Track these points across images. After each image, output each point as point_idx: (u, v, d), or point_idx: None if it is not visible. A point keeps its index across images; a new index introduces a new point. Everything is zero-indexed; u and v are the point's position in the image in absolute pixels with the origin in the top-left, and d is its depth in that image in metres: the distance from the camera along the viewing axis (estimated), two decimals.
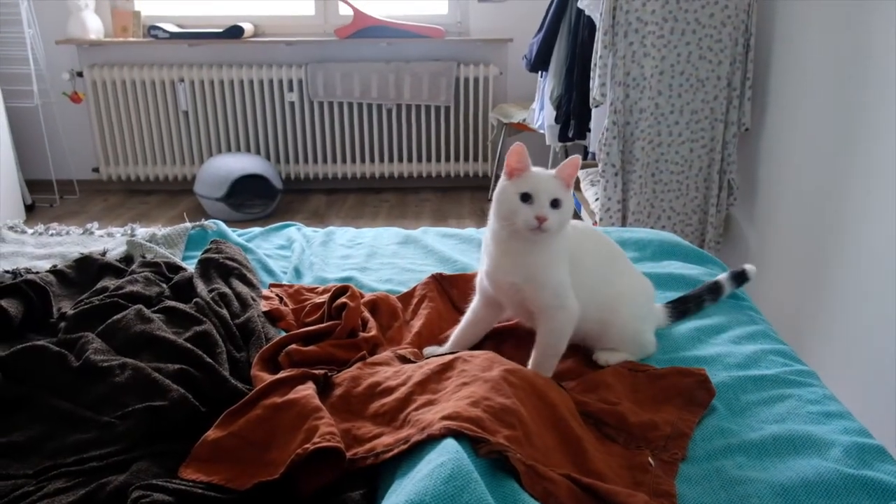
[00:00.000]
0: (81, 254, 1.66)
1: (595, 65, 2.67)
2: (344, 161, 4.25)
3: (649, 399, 1.10)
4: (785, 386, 1.15)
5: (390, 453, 0.89)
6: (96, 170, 4.22)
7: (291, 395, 1.01)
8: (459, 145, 4.24)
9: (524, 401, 0.96)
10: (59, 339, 1.26)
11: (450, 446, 0.81)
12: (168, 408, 1.03)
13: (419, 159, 4.26)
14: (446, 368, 1.03)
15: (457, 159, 4.27)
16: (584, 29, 2.93)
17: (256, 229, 1.93)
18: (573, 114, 3.04)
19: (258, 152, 4.19)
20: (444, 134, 4.21)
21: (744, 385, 1.15)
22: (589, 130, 3.03)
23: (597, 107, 2.75)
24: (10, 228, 1.90)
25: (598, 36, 2.63)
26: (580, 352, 1.25)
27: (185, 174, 4.20)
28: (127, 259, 1.67)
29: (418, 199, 4.21)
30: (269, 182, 3.89)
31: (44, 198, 4.10)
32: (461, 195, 4.26)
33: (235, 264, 1.56)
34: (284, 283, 1.60)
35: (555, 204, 1.12)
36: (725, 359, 1.22)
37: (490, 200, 4.42)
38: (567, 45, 3.09)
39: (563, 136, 3.14)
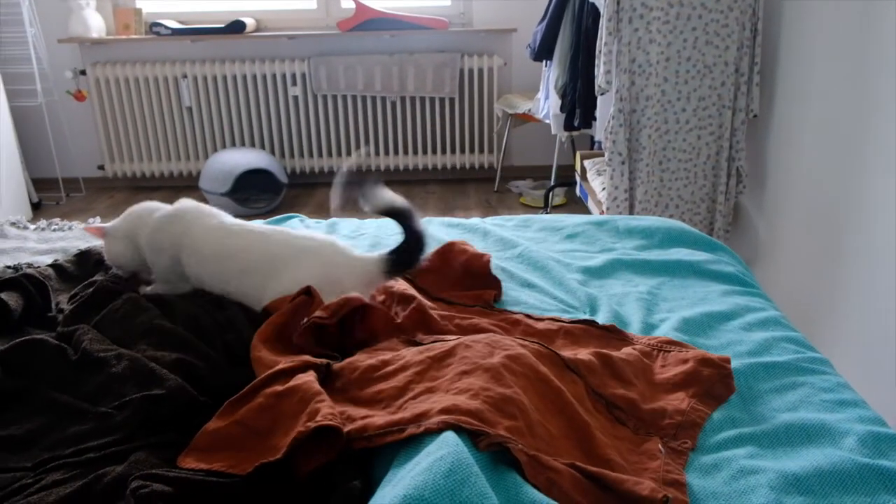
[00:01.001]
0: (80, 249, 1.65)
1: (600, 52, 2.63)
2: (349, 154, 4.23)
3: (664, 382, 1.07)
4: (798, 374, 1.12)
5: (384, 439, 0.87)
6: (102, 167, 4.22)
7: (293, 383, 0.99)
8: (464, 137, 4.21)
9: (526, 388, 0.93)
10: (57, 332, 1.25)
11: (450, 439, 0.79)
12: (165, 396, 1.01)
13: (424, 151, 4.23)
14: (447, 355, 1.01)
15: (462, 151, 4.24)
16: (588, 16, 2.90)
17: (259, 222, 1.91)
18: (579, 102, 3.01)
19: (262, 147, 4.18)
20: (449, 126, 4.19)
21: (755, 372, 1.12)
22: (595, 119, 3.00)
23: (602, 94, 2.72)
24: (13, 224, 1.89)
25: (603, 23, 2.60)
26: (598, 335, 1.23)
27: (190, 170, 4.19)
28: None
29: (424, 191, 4.19)
30: (273, 176, 3.87)
31: (50, 196, 4.10)
32: (466, 187, 4.23)
33: None
34: None
35: None
36: (736, 346, 1.19)
37: (497, 192, 4.33)
38: (571, 32, 3.06)
39: (568, 126, 3.10)
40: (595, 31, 2.77)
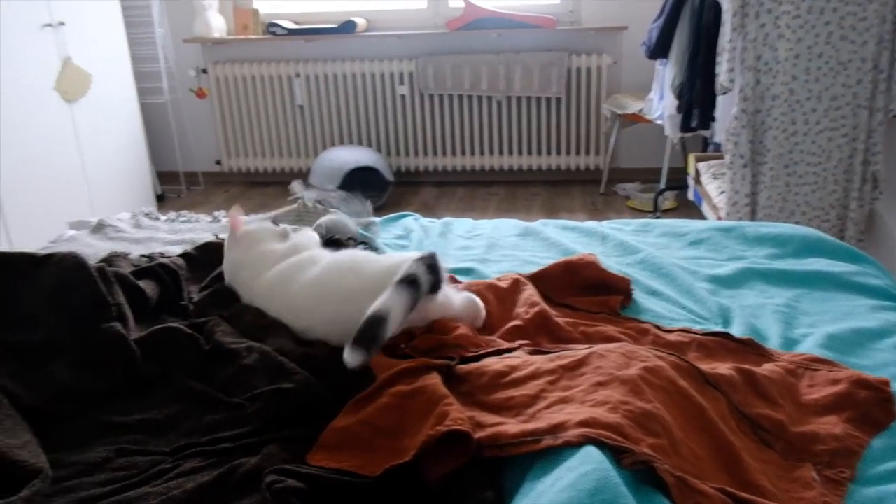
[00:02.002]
0: (205, 241, 1.72)
1: (723, 49, 2.51)
2: (454, 154, 4.24)
3: (812, 403, 0.99)
4: None
5: (517, 449, 0.84)
6: (219, 162, 4.41)
7: (419, 384, 0.99)
8: (570, 138, 4.13)
9: (667, 404, 0.88)
10: (189, 322, 1.30)
11: (593, 455, 0.75)
12: (295, 390, 1.03)
13: (529, 152, 4.18)
14: (579, 364, 0.97)
15: (568, 152, 4.16)
16: (709, 11, 2.77)
17: (374, 219, 1.93)
18: (696, 102, 2.89)
19: (370, 145, 4.25)
20: (555, 126, 4.12)
21: None
22: (714, 119, 2.86)
23: (724, 94, 2.59)
24: (146, 215, 1.99)
25: (727, 18, 2.48)
26: (734, 349, 1.15)
27: (301, 166, 4.32)
28: None
29: (528, 192, 4.14)
30: (380, 174, 3.93)
31: (172, 188, 4.33)
32: (572, 189, 4.15)
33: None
34: None
35: None
36: (893, 367, 1.09)
37: (603, 194, 4.23)
38: (690, 29, 2.94)
39: (685, 127, 2.98)
40: (716, 28, 2.64)
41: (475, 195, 4.12)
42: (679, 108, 2.98)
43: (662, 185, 3.69)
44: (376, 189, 3.98)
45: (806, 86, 2.45)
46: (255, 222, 1.46)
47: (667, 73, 3.09)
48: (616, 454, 0.78)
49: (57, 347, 1.17)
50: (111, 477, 0.93)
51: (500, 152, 4.20)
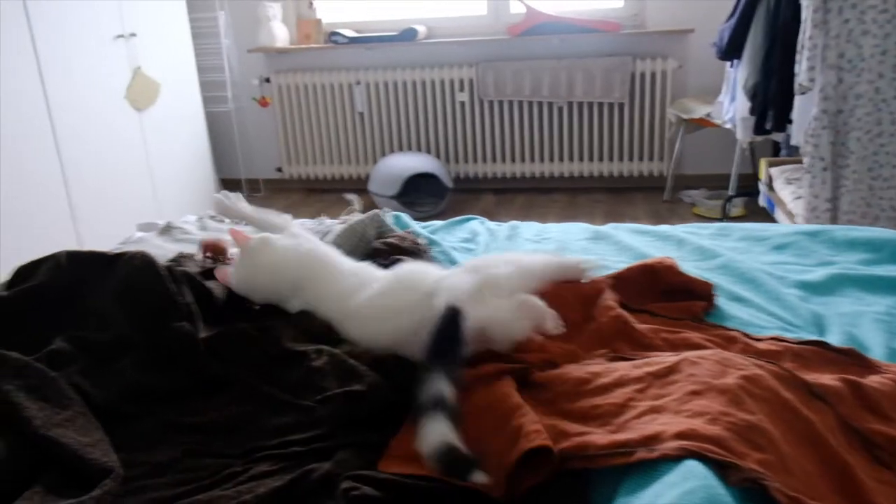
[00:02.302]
0: None
1: (803, 47, 2.39)
2: (513, 160, 4.18)
3: None
4: None
5: (608, 461, 0.78)
6: (279, 169, 4.46)
7: (491, 391, 0.93)
8: (633, 144, 4.03)
9: (770, 416, 0.81)
10: (255, 324, 1.28)
11: (696, 470, 0.69)
12: (366, 393, 0.99)
13: (591, 158, 4.10)
14: (669, 371, 0.91)
15: (630, 158, 4.06)
16: (787, 9, 2.65)
17: (439, 222, 1.89)
18: (771, 103, 2.76)
19: (429, 151, 4.23)
20: (618, 132, 4.02)
21: None
22: (790, 121, 2.73)
23: (803, 94, 2.47)
24: (211, 218, 2.00)
25: (807, 14, 2.36)
26: (834, 360, 1.07)
27: (360, 173, 4.33)
28: None
29: (590, 199, 4.05)
30: (439, 181, 3.90)
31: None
32: (634, 196, 4.04)
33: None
34: None
35: None
36: None
37: (667, 201, 4.05)
38: (764, 27, 2.82)
39: (759, 129, 2.86)
40: (794, 25, 2.52)
41: (535, 202, 4.05)
42: (752, 111, 2.86)
43: (731, 191, 3.56)
44: (436, 196, 3.95)
45: (893, 84, 2.32)
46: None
47: (738, 75, 2.98)
48: (720, 470, 0.71)
49: (126, 346, 1.17)
50: (180, 478, 0.91)
51: (561, 159, 4.13)
